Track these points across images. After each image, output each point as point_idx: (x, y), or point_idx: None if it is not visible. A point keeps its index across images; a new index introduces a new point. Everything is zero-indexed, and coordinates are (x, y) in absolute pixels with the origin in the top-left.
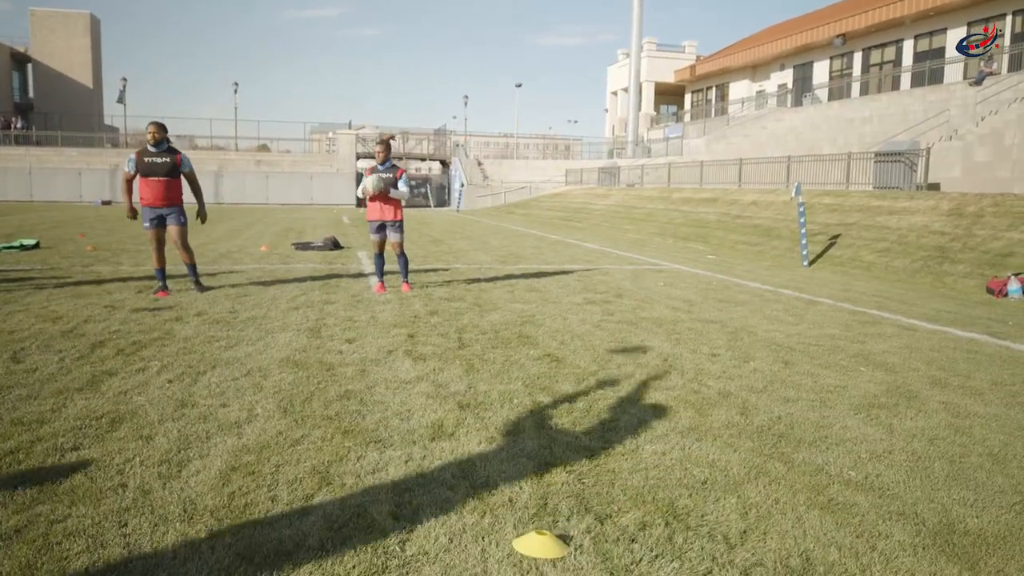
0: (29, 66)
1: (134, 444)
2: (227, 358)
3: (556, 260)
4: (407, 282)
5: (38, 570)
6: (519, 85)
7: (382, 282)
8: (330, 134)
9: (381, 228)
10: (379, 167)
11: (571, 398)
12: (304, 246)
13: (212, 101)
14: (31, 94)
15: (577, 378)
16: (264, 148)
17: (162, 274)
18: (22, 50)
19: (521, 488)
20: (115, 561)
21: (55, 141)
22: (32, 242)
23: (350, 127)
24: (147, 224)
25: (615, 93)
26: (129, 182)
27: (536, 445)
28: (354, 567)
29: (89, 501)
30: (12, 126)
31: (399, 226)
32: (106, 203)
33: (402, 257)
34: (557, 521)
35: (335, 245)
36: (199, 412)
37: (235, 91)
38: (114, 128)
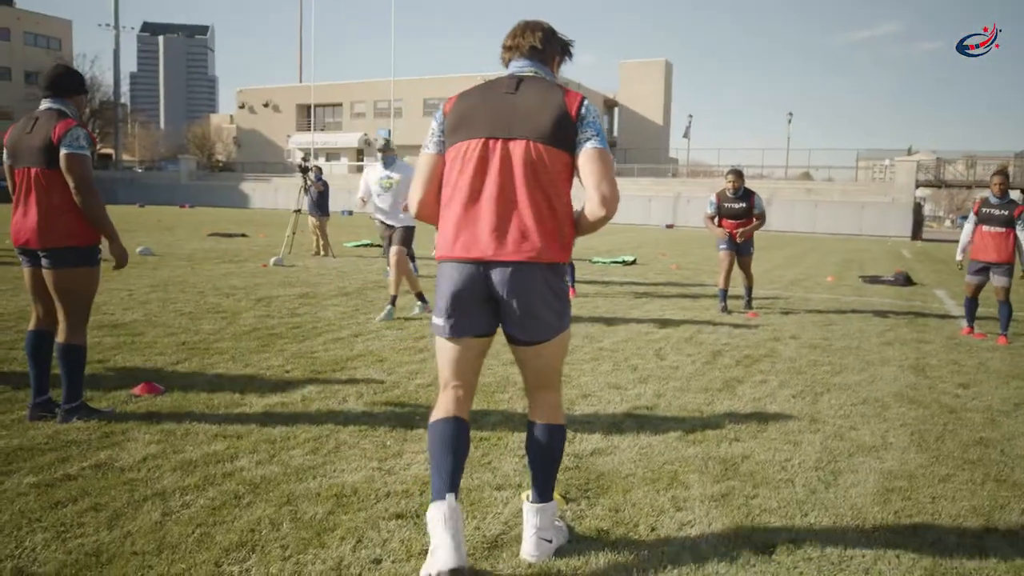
0: (616, 110)
1: (786, 447)
2: (838, 383)
3: None
4: (1004, 335)
5: None
6: None
7: (971, 327)
8: (886, 161)
9: (983, 270)
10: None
11: None
12: (873, 279)
13: (764, 131)
14: (615, 133)
15: None
16: (806, 176)
17: (725, 294)
18: (611, 96)
19: None
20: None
21: (631, 172)
22: (631, 258)
23: (909, 153)
24: (724, 246)
25: None
26: (711, 219)
27: None
28: None
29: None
30: None
31: (1007, 270)
32: (669, 226)
33: (1005, 305)
34: None
35: (907, 281)
36: (832, 430)
37: (789, 121)
38: (674, 160)
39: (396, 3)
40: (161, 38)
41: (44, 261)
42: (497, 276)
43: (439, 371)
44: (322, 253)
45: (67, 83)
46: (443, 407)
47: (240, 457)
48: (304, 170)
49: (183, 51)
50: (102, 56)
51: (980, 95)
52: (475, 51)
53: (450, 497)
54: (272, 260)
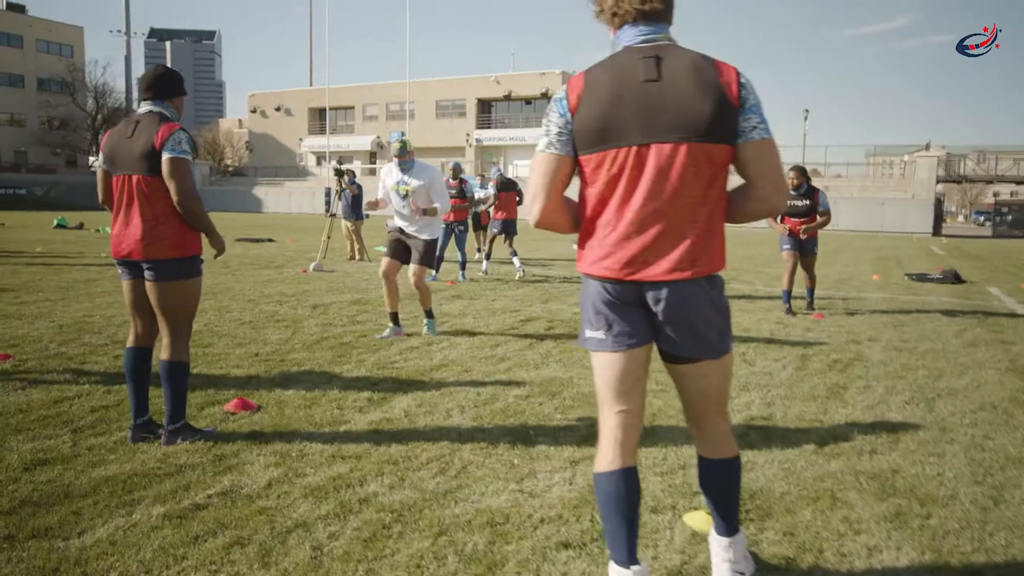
0: None
1: (931, 459)
2: (944, 388)
3: None
4: None
5: None
6: None
7: None
8: (905, 157)
9: None
10: None
11: None
12: (921, 277)
13: (776, 129)
14: None
15: None
16: (815, 173)
17: (789, 295)
18: None
19: None
20: None
21: None
22: None
23: (927, 149)
24: (787, 246)
25: None
26: (774, 217)
27: None
28: None
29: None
30: None
31: None
32: None
33: None
34: None
35: (956, 278)
36: (968, 440)
37: (805, 118)
38: None
39: (404, 3)
40: (168, 44)
41: (148, 274)
42: (652, 296)
43: (599, 393)
44: (357, 257)
45: (167, 84)
46: (608, 451)
47: (369, 481)
48: (339, 174)
49: (190, 56)
50: (112, 63)
51: (986, 90)
52: (487, 50)
53: (635, 568)
54: (312, 266)
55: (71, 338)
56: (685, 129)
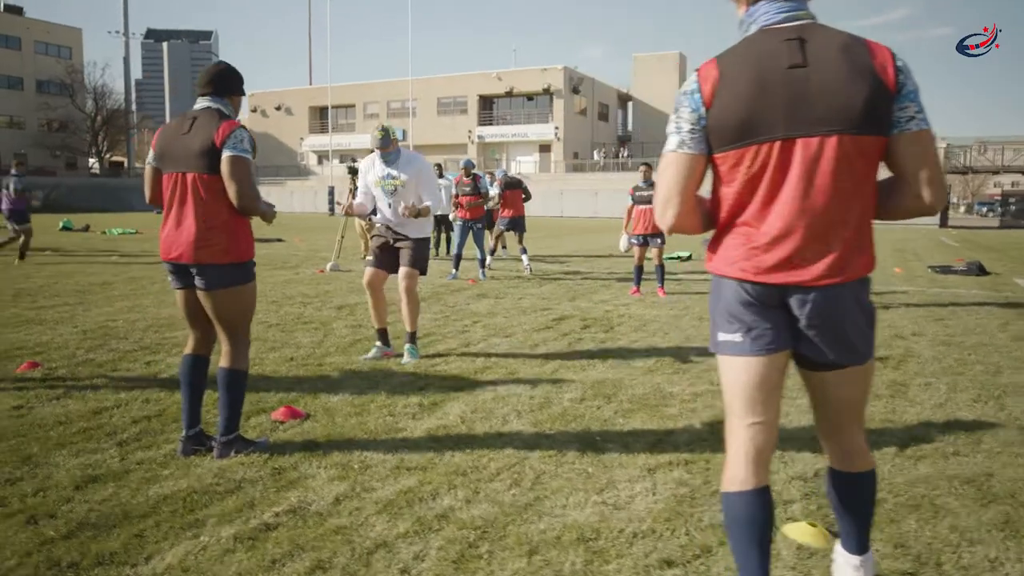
0: (630, 104)
1: (1021, 461)
2: (1008, 385)
3: None
4: None
5: None
6: None
7: None
8: None
9: None
10: None
11: None
12: (945, 270)
13: None
14: (630, 127)
15: None
16: None
17: None
18: (625, 91)
19: None
20: None
21: None
22: (687, 254)
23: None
24: None
25: None
26: None
27: None
28: None
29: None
30: (619, 156)
31: None
32: None
33: None
34: None
35: (980, 270)
36: None
37: None
38: None
39: (399, 3)
40: (165, 44)
41: (199, 282)
42: (797, 300)
43: (729, 404)
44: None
45: (228, 81)
46: (739, 468)
47: (441, 494)
48: (353, 172)
49: (187, 57)
50: (111, 64)
51: (986, 84)
52: (488, 46)
53: None
54: (328, 266)
55: (97, 344)
56: (835, 120)
